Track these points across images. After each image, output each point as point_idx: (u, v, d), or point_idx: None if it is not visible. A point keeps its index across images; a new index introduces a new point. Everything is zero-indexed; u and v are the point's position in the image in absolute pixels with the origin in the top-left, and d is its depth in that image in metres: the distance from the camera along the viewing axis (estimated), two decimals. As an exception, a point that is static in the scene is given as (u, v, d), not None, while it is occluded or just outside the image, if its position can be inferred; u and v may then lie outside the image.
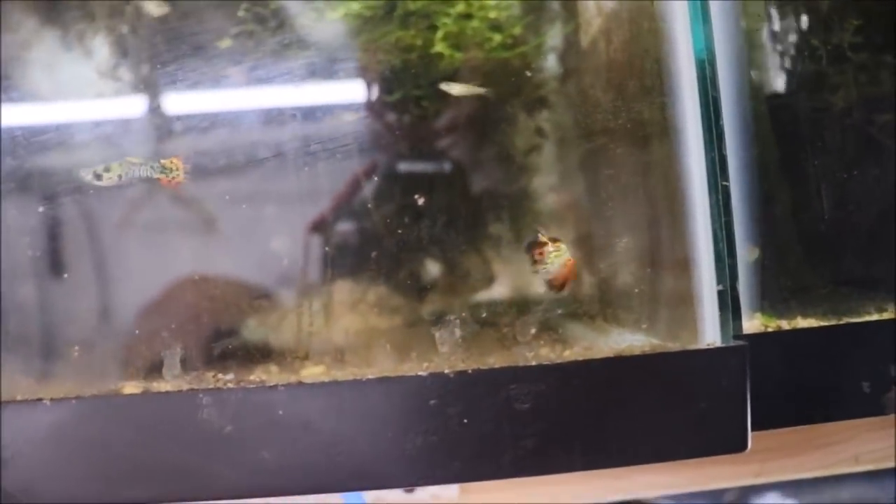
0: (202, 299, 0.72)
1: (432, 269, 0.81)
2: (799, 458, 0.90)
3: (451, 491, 0.84)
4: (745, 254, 0.71)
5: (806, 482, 1.30)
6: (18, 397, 0.63)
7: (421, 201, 0.75)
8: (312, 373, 0.70)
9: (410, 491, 0.84)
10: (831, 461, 0.89)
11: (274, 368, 0.67)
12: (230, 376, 0.64)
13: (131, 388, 0.64)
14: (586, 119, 0.85)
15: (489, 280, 0.83)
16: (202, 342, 0.71)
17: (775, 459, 0.89)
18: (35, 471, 0.62)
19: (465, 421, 0.60)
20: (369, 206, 0.81)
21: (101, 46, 0.82)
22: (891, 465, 0.92)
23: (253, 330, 0.75)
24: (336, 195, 0.81)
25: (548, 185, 0.90)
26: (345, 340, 0.71)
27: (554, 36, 0.90)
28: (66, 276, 0.71)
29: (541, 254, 0.69)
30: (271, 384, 0.61)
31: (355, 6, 0.87)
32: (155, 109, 0.80)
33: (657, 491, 0.92)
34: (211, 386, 0.62)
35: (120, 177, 0.69)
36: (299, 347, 0.74)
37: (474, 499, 0.84)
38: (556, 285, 0.68)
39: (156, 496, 0.63)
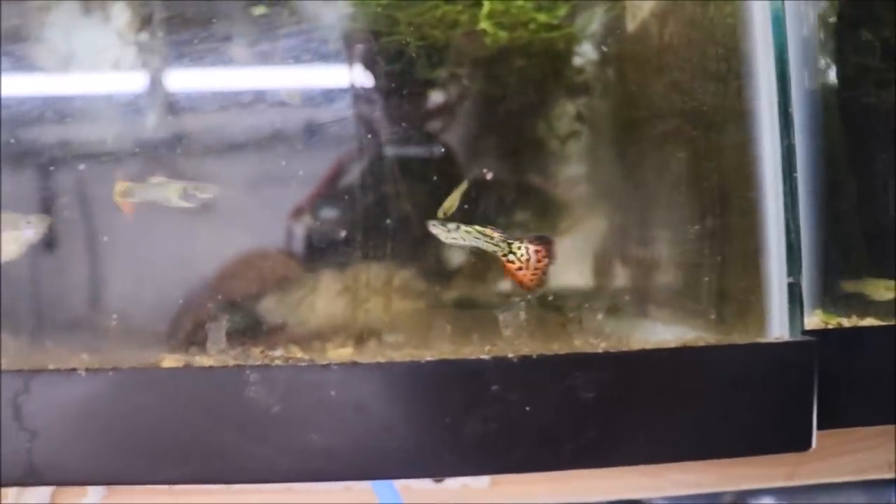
0: (253, 275, 0.68)
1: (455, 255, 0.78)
2: (831, 461, 0.88)
3: (481, 482, 0.81)
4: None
5: (800, 487, 1.30)
6: (50, 366, 0.59)
7: (488, 176, 0.72)
8: (339, 353, 0.67)
9: (440, 481, 0.81)
10: (864, 466, 0.87)
11: (325, 346, 0.63)
12: (278, 352, 0.60)
13: (172, 361, 0.60)
14: (633, 105, 0.83)
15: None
16: (249, 319, 0.68)
17: (807, 462, 0.88)
18: (66, 445, 0.58)
19: (527, 408, 0.57)
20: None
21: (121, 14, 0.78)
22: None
23: (302, 308, 0.73)
24: (321, 180, 0.77)
25: (588, 172, 0.88)
26: (400, 322, 0.68)
27: (599, 19, 0.87)
28: (104, 240, 0.67)
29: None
30: (323, 363, 0.58)
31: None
32: (168, 86, 0.76)
33: (687, 489, 0.90)
34: (258, 363, 0.59)
35: None
36: (352, 327, 0.71)
37: (504, 490, 0.82)
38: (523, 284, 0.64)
39: (193, 477, 0.59)
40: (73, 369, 0.58)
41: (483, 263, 0.69)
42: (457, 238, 0.63)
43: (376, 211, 0.72)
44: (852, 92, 0.75)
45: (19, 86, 0.72)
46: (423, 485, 0.81)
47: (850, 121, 0.74)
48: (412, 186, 0.75)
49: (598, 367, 0.58)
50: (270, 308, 0.68)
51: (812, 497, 1.38)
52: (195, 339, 0.62)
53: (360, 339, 0.68)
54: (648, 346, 0.60)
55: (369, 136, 0.76)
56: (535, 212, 0.83)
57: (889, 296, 0.72)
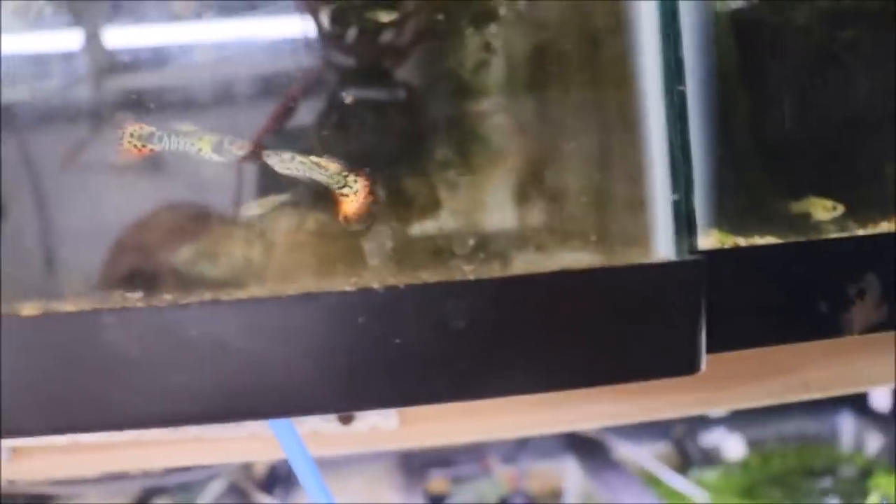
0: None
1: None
2: (749, 385, 0.87)
3: (390, 422, 0.79)
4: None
5: (750, 414, 1.30)
6: None
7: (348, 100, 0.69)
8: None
9: (347, 423, 0.79)
10: (782, 388, 0.86)
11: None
12: (138, 294, 0.58)
13: (30, 309, 0.57)
14: (534, 30, 0.80)
15: (435, 205, 0.78)
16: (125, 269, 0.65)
17: (725, 388, 0.87)
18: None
19: (397, 341, 0.55)
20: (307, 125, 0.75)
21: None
22: (838, 392, 0.90)
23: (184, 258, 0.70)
24: (271, 116, 0.75)
25: (495, 103, 0.85)
26: (268, 258, 0.65)
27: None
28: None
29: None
30: (182, 302, 0.55)
31: None
32: (93, 40, 0.73)
33: (601, 421, 0.89)
34: (117, 305, 0.56)
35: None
36: (232, 274, 0.68)
37: (414, 430, 0.80)
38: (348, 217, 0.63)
39: (58, 426, 0.57)
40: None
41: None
42: (291, 168, 0.61)
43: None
44: (751, 7, 0.72)
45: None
46: (332, 428, 0.80)
47: (744, 35, 0.71)
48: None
49: (470, 295, 0.56)
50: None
51: (762, 424, 1.39)
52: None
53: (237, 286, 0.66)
54: (522, 273, 0.58)
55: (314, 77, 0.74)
56: (455, 149, 0.80)
57: (828, 216, 0.70)
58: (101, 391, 0.56)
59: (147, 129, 0.62)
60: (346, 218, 0.60)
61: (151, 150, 0.62)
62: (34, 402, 0.57)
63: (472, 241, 0.61)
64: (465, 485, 1.36)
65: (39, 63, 0.71)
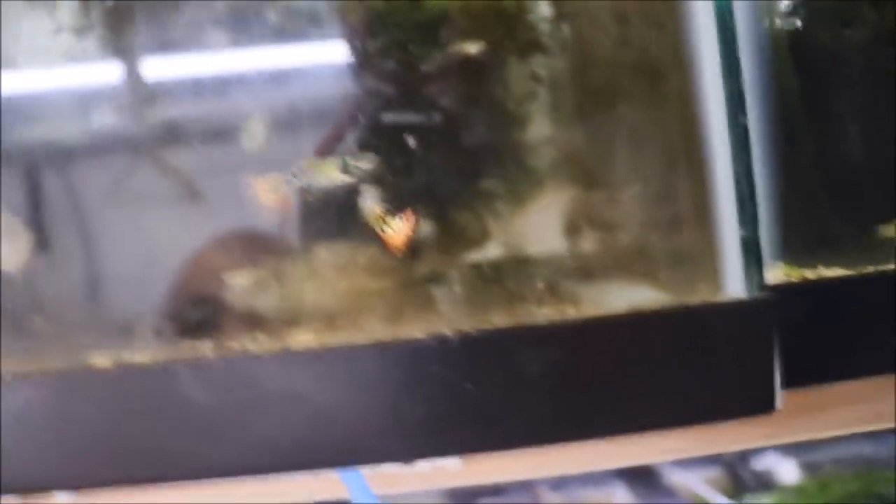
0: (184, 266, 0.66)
1: (424, 226, 0.76)
2: (814, 416, 0.85)
3: (453, 463, 0.79)
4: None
5: (804, 442, 1.27)
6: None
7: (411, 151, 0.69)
8: (301, 340, 0.65)
9: (409, 462, 0.78)
10: (851, 419, 0.84)
11: (261, 336, 0.61)
12: (209, 344, 0.58)
13: (101, 359, 0.58)
14: (587, 61, 0.80)
15: (484, 237, 0.78)
16: (181, 311, 0.66)
17: (790, 420, 0.85)
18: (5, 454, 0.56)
19: (471, 387, 0.55)
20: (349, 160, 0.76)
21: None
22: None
23: (237, 296, 0.71)
24: (317, 148, 0.75)
25: (546, 133, 0.85)
26: (334, 304, 0.65)
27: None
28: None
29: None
30: (256, 353, 0.56)
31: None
32: (132, 72, 0.75)
33: (660, 456, 0.87)
34: (189, 356, 0.56)
35: None
36: (286, 313, 0.69)
37: (477, 468, 0.79)
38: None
39: (133, 478, 0.57)
40: (-2, 376, 0.57)
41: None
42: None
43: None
44: (810, 30, 0.71)
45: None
46: (395, 468, 0.79)
47: (807, 62, 0.70)
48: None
49: (542, 340, 0.55)
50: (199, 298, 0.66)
51: (815, 450, 1.36)
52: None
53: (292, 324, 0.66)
54: (593, 315, 0.57)
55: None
56: (502, 179, 0.80)
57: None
58: (172, 442, 0.56)
59: (273, 180, 0.63)
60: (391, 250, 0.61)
61: (284, 196, 0.63)
62: (103, 453, 0.57)
63: (541, 284, 0.61)
64: (511, 512, 1.35)
65: (76, 95, 0.73)
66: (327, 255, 0.75)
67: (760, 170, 0.66)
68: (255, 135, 0.65)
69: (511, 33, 0.83)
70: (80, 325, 0.62)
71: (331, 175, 0.63)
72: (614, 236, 0.69)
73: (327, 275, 0.75)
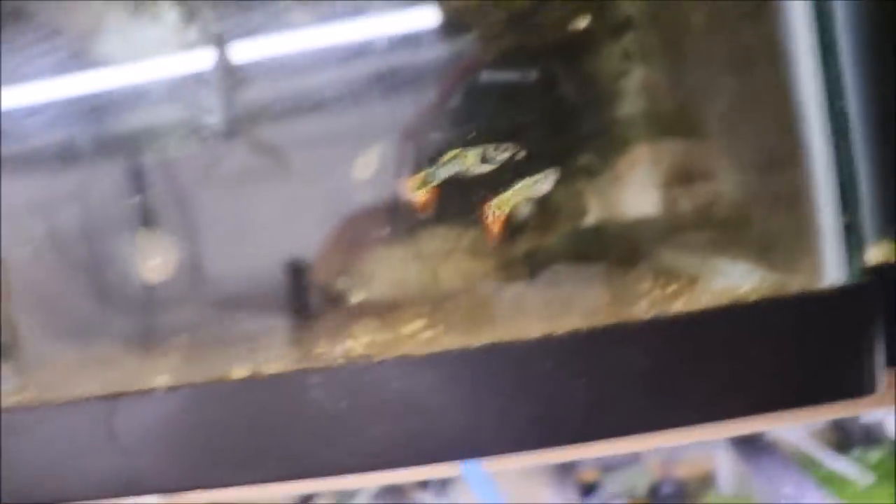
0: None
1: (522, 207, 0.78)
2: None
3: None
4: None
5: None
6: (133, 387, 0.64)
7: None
8: (413, 328, 0.68)
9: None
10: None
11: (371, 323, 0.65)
12: (338, 349, 0.63)
13: (239, 371, 0.63)
14: (679, 39, 0.80)
15: (582, 213, 0.79)
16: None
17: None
18: (150, 461, 0.63)
19: (583, 381, 0.58)
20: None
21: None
22: None
23: (352, 286, 0.75)
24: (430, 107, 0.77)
25: (638, 112, 0.86)
26: (443, 293, 0.69)
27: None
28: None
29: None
30: (378, 359, 0.60)
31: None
32: (224, 62, 0.78)
33: (768, 424, 0.88)
34: (320, 365, 0.61)
35: None
36: (399, 302, 0.73)
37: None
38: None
39: (267, 478, 0.63)
40: (153, 389, 0.63)
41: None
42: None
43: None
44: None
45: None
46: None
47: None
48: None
49: (647, 334, 0.58)
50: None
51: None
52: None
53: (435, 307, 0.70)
54: (695, 309, 0.59)
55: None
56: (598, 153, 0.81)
57: None
58: (303, 445, 0.61)
59: (419, 176, 0.66)
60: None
61: (433, 189, 0.66)
62: (238, 456, 0.62)
63: (647, 284, 0.63)
64: (615, 474, 1.37)
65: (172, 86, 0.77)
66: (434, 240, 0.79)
67: (862, 148, 0.66)
68: (368, 167, 0.68)
69: (602, 11, 0.83)
70: (219, 338, 0.67)
71: (471, 165, 0.65)
72: (711, 201, 0.70)
73: (434, 259, 0.78)
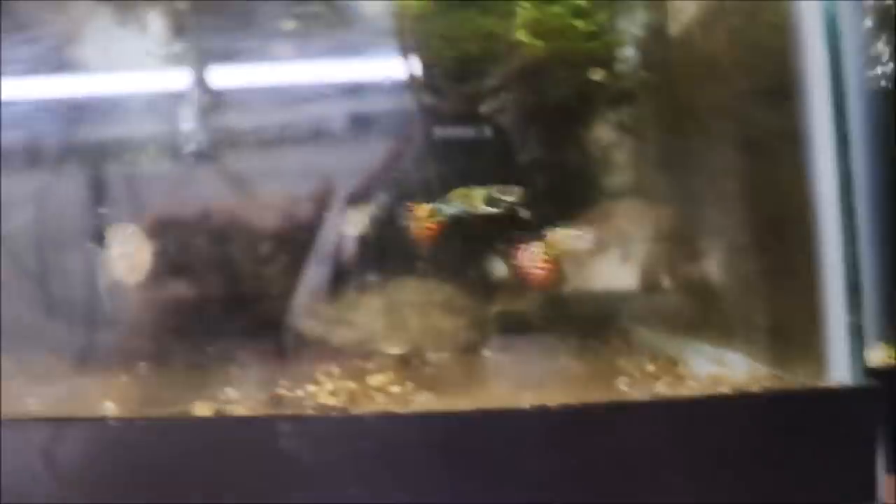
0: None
1: (498, 267, 0.76)
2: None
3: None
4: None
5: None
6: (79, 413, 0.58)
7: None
8: (380, 381, 0.65)
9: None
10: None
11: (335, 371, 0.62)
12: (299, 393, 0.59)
13: (202, 409, 0.58)
14: (678, 116, 0.79)
15: (559, 280, 0.77)
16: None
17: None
18: (98, 493, 0.57)
19: (572, 459, 0.55)
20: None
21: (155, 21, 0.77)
22: None
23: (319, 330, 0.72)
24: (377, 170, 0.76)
25: (629, 183, 0.85)
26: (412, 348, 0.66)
27: (639, 24, 0.83)
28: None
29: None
30: (356, 412, 0.56)
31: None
32: (202, 85, 0.76)
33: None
34: (290, 412, 0.57)
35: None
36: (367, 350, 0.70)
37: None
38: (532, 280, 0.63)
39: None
40: (103, 417, 0.57)
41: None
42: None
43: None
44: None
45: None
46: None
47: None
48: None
49: (647, 417, 0.55)
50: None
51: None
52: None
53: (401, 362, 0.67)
54: (700, 395, 0.57)
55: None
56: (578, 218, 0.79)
57: None
58: (269, 495, 0.56)
59: (427, 207, 0.65)
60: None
61: (439, 223, 0.63)
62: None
63: (651, 367, 0.61)
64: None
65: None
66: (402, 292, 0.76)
67: (865, 247, 0.65)
68: (356, 223, 0.66)
69: (599, 82, 0.82)
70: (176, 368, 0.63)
71: (477, 205, 0.63)
72: (720, 302, 0.68)
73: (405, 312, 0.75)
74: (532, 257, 0.61)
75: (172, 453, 0.56)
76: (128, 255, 0.64)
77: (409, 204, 0.64)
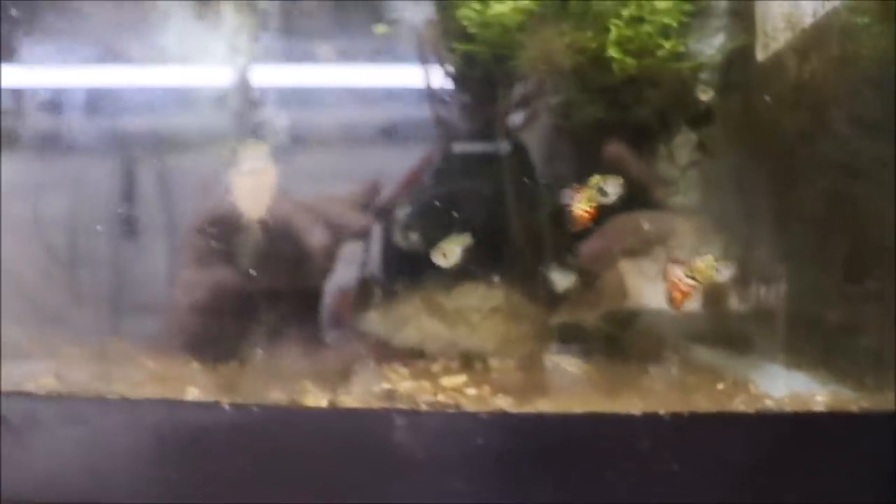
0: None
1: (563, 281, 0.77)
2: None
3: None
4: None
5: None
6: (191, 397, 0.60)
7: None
8: (454, 382, 0.67)
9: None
10: None
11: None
12: (425, 398, 0.60)
13: (314, 399, 0.60)
14: (764, 141, 0.81)
15: (622, 296, 0.78)
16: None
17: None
18: (208, 475, 0.59)
19: (675, 468, 0.56)
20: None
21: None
22: None
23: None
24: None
25: (705, 203, 0.86)
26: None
27: (726, 47, 0.85)
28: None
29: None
30: (470, 410, 0.57)
31: (525, 2, 0.82)
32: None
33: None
34: (405, 407, 0.58)
35: None
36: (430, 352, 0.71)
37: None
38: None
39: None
40: (217, 402, 0.59)
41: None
42: None
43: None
44: None
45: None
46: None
47: None
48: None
49: (750, 429, 0.57)
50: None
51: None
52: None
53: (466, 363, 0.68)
54: (799, 410, 0.58)
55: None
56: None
57: None
58: (379, 487, 0.58)
59: (588, 191, 0.65)
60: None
61: (595, 208, 0.65)
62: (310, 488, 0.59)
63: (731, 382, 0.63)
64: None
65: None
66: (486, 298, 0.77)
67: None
68: (450, 256, 0.67)
69: (684, 101, 0.84)
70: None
71: (610, 195, 0.65)
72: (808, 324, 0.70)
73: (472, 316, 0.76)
74: (681, 276, 0.62)
75: (288, 441, 0.58)
76: (256, 172, 0.64)
77: (575, 186, 0.65)
